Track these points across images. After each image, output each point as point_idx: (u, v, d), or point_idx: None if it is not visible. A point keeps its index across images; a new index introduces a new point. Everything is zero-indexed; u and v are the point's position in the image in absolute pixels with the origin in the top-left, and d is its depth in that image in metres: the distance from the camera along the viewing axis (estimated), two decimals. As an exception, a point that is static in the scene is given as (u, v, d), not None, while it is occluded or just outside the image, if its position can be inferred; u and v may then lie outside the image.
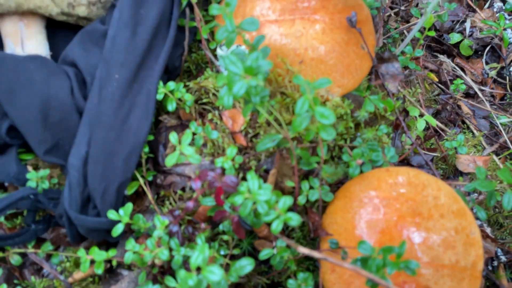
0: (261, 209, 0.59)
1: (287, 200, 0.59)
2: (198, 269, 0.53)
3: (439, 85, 1.38)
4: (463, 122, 1.35)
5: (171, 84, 0.73)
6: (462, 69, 1.47)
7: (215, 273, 0.52)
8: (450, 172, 1.21)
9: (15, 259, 0.75)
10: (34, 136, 0.72)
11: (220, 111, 0.81)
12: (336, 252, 0.68)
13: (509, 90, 1.43)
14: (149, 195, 0.78)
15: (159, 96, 0.72)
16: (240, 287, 0.79)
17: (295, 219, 0.58)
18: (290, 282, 0.70)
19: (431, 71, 1.45)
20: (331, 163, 0.79)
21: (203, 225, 0.70)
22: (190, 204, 0.62)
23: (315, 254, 0.57)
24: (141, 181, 0.77)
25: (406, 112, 1.12)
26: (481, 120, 1.36)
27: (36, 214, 0.77)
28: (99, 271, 0.66)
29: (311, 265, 0.80)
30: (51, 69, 0.74)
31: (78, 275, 0.79)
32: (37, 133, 0.72)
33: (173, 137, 0.65)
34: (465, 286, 0.68)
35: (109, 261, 0.81)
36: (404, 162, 1.10)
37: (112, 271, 0.82)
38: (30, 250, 0.77)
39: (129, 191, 0.75)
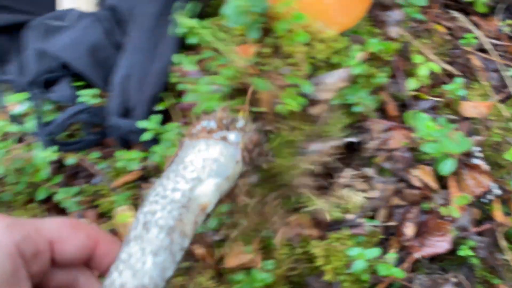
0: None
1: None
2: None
3: (452, 40, 1.45)
4: (474, 75, 1.41)
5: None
6: (477, 26, 1.52)
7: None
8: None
9: (70, 161, 0.94)
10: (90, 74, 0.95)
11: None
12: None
13: (523, 46, 1.47)
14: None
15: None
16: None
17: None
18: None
19: (447, 28, 1.52)
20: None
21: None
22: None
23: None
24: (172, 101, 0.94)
25: (408, 59, 1.21)
26: (491, 73, 1.42)
27: (91, 127, 0.96)
28: (134, 166, 0.85)
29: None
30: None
31: (119, 181, 0.98)
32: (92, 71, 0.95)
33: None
34: None
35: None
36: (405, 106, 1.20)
37: (146, 180, 1.01)
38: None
39: (161, 106, 0.93)
